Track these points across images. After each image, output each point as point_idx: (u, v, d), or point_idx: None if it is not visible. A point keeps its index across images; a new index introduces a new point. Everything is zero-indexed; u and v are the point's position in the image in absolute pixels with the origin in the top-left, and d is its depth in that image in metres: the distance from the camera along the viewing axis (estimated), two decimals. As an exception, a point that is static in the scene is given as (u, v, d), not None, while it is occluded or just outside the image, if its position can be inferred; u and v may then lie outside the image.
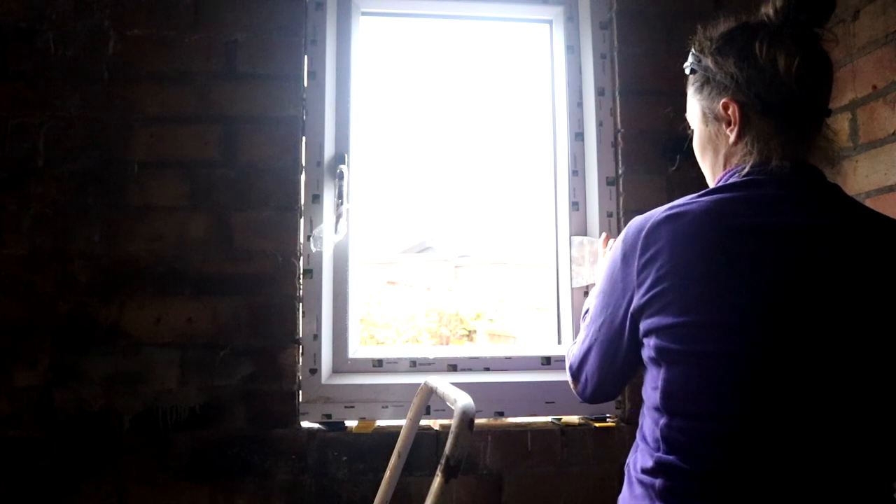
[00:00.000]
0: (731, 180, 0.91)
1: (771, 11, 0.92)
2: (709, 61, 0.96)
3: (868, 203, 1.40)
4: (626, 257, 0.91)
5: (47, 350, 1.42)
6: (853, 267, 0.82)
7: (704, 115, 0.98)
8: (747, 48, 0.91)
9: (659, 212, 0.89)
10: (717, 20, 0.99)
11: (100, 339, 1.44)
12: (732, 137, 0.94)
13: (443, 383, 1.18)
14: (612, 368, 0.98)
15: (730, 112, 0.93)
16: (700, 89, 0.99)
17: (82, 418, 1.42)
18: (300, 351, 1.50)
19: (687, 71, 1.01)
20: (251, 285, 1.48)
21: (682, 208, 0.88)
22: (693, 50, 1.00)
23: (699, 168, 1.04)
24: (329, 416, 1.50)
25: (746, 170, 0.90)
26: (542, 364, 1.64)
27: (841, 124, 1.47)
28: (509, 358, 1.64)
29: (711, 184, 0.99)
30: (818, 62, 0.91)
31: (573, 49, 1.73)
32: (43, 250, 1.45)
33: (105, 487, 1.41)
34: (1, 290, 1.43)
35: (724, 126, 0.95)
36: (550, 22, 1.79)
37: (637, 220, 0.92)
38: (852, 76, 1.44)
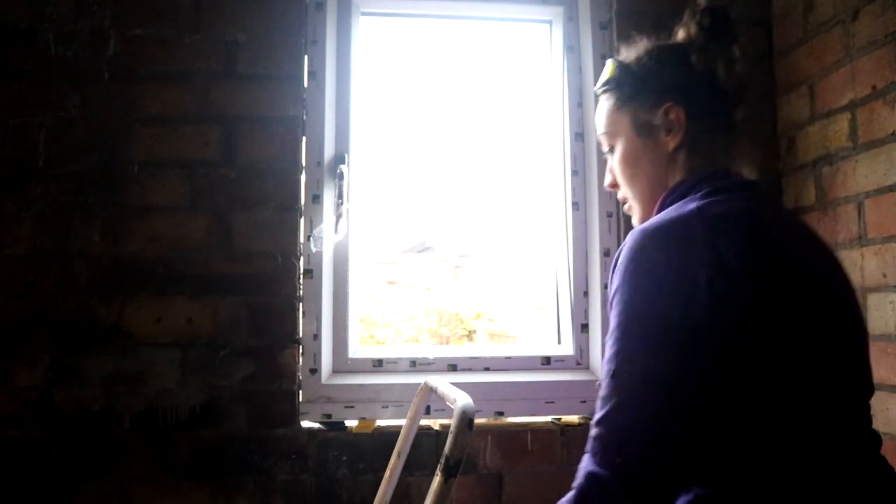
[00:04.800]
0: (708, 187, 0.89)
1: (692, 31, 0.96)
2: (644, 69, 0.98)
3: (868, 203, 1.40)
4: (684, 246, 0.81)
5: (47, 350, 1.42)
6: (820, 263, 0.88)
7: (637, 126, 0.98)
8: (686, 59, 0.95)
9: (686, 209, 0.84)
10: (633, 42, 1.02)
11: (100, 338, 1.44)
12: (674, 143, 0.94)
13: (443, 383, 1.18)
14: None
15: (672, 117, 0.94)
16: (630, 100, 0.99)
17: (82, 418, 1.42)
18: (300, 351, 1.50)
19: (602, 90, 1.02)
20: (251, 285, 1.48)
21: (718, 208, 0.84)
22: (615, 66, 1.01)
23: None
24: (329, 416, 1.50)
25: (718, 176, 0.91)
26: (542, 364, 1.64)
27: (840, 124, 1.47)
28: (509, 358, 1.64)
29: (648, 200, 0.98)
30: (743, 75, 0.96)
31: (573, 49, 1.73)
32: (43, 250, 1.45)
33: (105, 487, 1.41)
34: (1, 290, 1.43)
35: (662, 133, 0.95)
36: (550, 22, 1.79)
37: (661, 224, 0.84)
38: (852, 76, 1.44)
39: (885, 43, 1.35)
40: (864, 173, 1.41)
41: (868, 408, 0.85)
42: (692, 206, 0.84)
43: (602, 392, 0.81)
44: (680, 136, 0.94)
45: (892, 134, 1.33)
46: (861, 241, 1.41)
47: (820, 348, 0.81)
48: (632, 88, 0.99)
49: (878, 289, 1.37)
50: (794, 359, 0.78)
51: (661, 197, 0.95)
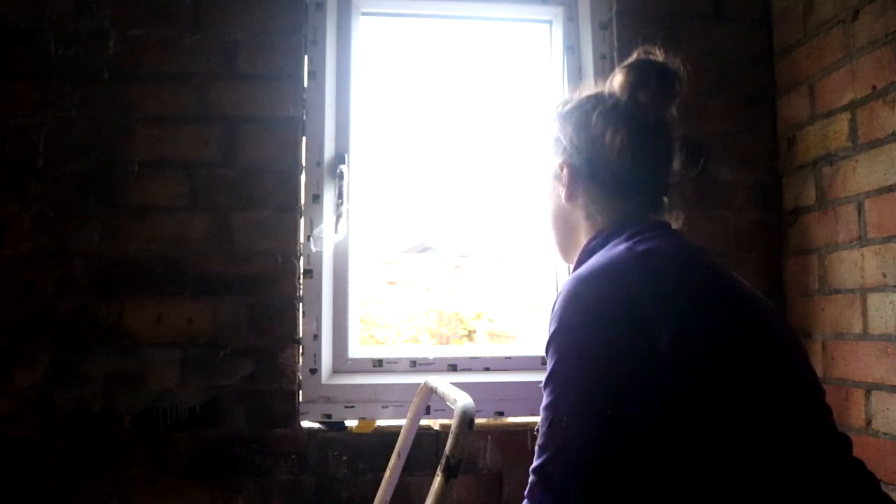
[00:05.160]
0: (629, 231, 0.92)
1: (616, 86, 0.99)
2: (556, 123, 1.02)
3: (867, 203, 1.40)
4: (623, 294, 0.79)
5: (47, 350, 1.42)
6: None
7: (551, 169, 1.04)
8: (587, 117, 0.98)
9: (616, 253, 0.86)
10: (584, 85, 1.07)
11: (100, 338, 1.44)
12: (563, 196, 1.00)
13: (443, 383, 1.18)
14: None
15: (563, 174, 1.00)
16: (552, 145, 1.04)
17: (83, 418, 1.42)
18: (300, 351, 1.50)
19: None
20: (251, 285, 1.48)
21: (647, 245, 0.87)
22: (554, 108, 1.06)
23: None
24: (329, 416, 1.50)
25: (635, 222, 0.94)
26: (542, 364, 1.64)
27: (840, 124, 1.47)
28: (509, 358, 1.64)
29: (554, 237, 1.06)
30: (645, 141, 0.96)
31: (573, 49, 1.73)
32: (43, 250, 1.45)
33: (105, 487, 1.41)
34: (1, 290, 1.43)
35: (559, 184, 1.01)
36: (550, 22, 1.79)
37: (595, 270, 0.84)
38: (852, 76, 1.44)
39: (885, 43, 1.35)
40: (864, 173, 1.41)
41: (828, 413, 0.83)
42: (620, 247, 0.86)
43: (539, 440, 0.78)
44: (567, 191, 1.00)
45: (892, 134, 1.33)
46: (861, 241, 1.41)
47: (771, 369, 0.79)
48: (552, 136, 1.05)
49: (878, 289, 1.37)
50: (749, 384, 0.76)
51: (581, 250, 0.98)
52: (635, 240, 0.88)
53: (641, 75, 0.97)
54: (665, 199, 1.00)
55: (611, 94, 0.99)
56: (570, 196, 0.99)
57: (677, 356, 0.74)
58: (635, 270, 0.80)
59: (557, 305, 0.82)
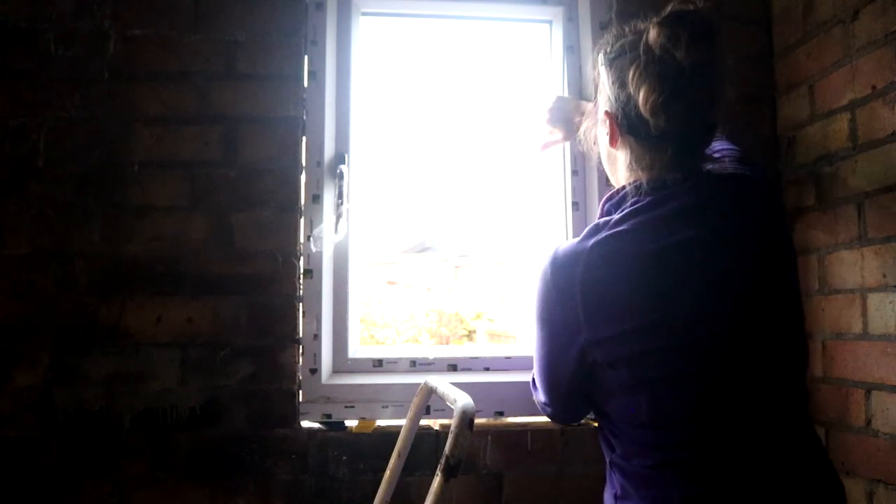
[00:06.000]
0: (629, 206, 1.01)
1: (650, 42, 0.97)
2: (602, 69, 1.05)
3: (867, 203, 1.40)
4: (567, 298, 1.00)
5: (47, 350, 1.42)
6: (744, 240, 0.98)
7: (599, 112, 1.09)
8: (624, 74, 0.99)
9: (584, 247, 0.99)
10: (629, 24, 1.05)
11: (100, 338, 1.44)
12: (609, 145, 1.06)
13: (443, 383, 1.18)
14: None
15: (607, 122, 1.04)
16: (599, 88, 1.08)
17: (83, 418, 1.42)
18: (300, 351, 1.50)
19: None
20: (251, 285, 1.48)
21: (605, 238, 0.98)
22: (601, 51, 1.08)
23: None
24: (329, 416, 1.50)
25: (628, 191, 1.03)
26: (542, 364, 1.63)
27: (840, 124, 1.47)
28: (509, 358, 1.64)
29: (613, 174, 1.13)
30: (683, 95, 0.95)
31: (573, 49, 1.73)
32: (43, 250, 1.45)
33: (105, 487, 1.41)
34: (1, 290, 1.43)
35: (605, 130, 1.06)
36: (550, 22, 1.79)
37: (562, 258, 1.01)
38: (851, 76, 1.44)
39: (885, 43, 1.35)
40: (863, 173, 1.41)
41: (795, 363, 0.99)
42: (590, 241, 0.99)
43: (534, 372, 1.16)
44: (609, 139, 1.05)
45: (892, 134, 1.33)
46: (861, 240, 1.41)
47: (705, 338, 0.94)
48: (601, 78, 1.06)
49: (878, 289, 1.37)
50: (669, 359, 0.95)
51: (603, 200, 1.09)
52: (607, 234, 0.98)
53: (673, 30, 0.95)
54: (711, 139, 1.05)
55: (646, 50, 0.97)
56: (613, 143, 1.06)
57: (594, 321, 0.98)
58: (583, 273, 0.97)
59: (538, 275, 1.04)
